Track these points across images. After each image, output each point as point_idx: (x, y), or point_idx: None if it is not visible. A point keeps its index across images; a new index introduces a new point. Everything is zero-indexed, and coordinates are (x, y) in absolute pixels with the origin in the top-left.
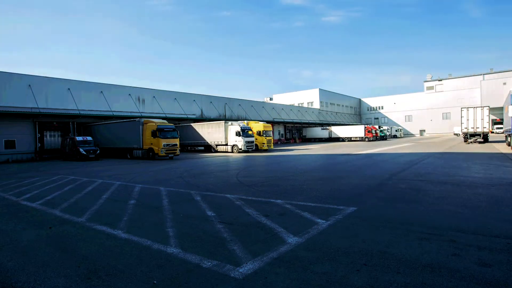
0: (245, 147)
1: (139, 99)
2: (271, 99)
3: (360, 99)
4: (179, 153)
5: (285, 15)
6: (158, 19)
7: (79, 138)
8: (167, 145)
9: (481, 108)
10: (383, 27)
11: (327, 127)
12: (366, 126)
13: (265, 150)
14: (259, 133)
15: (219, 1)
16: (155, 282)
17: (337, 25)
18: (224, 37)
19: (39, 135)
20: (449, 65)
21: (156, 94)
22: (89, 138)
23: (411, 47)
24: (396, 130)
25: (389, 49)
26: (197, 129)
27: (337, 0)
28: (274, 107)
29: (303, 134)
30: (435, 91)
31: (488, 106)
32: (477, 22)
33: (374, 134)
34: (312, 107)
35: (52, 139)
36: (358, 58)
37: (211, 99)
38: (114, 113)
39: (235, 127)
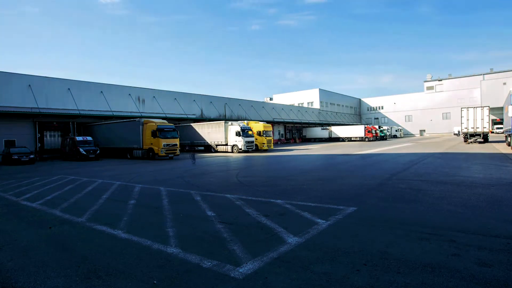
0: (245, 147)
1: (139, 99)
2: (271, 99)
3: (360, 99)
4: (179, 153)
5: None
6: (158, 20)
7: (79, 138)
8: (167, 145)
9: (481, 108)
10: (384, 27)
11: (327, 127)
12: (366, 126)
13: (265, 150)
14: (259, 133)
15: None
16: (155, 282)
17: (336, 25)
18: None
19: (39, 135)
20: (449, 65)
21: (156, 94)
22: (89, 138)
23: (411, 47)
24: (396, 130)
25: (389, 49)
26: (197, 129)
27: None
28: (274, 107)
29: (303, 134)
30: (435, 91)
31: (488, 106)
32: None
33: (374, 134)
34: (312, 107)
35: (52, 139)
36: (358, 58)
37: (211, 99)
38: (114, 113)
39: (235, 127)
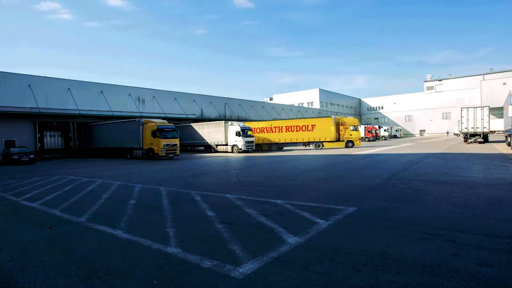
0: (245, 147)
1: (139, 99)
2: (271, 99)
3: (360, 99)
4: (179, 153)
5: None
6: (157, 19)
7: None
8: (167, 145)
9: (481, 108)
10: (384, 26)
11: None
12: (366, 126)
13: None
14: (354, 128)
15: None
16: (155, 282)
17: (335, 25)
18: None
19: (39, 135)
20: (449, 65)
21: (156, 94)
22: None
23: (412, 47)
24: (396, 130)
25: (390, 49)
26: (197, 129)
27: None
28: (274, 107)
29: None
30: (435, 91)
31: (488, 106)
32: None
33: (374, 134)
34: (312, 107)
35: (52, 139)
36: (358, 58)
37: (211, 99)
38: (114, 113)
39: (235, 127)
